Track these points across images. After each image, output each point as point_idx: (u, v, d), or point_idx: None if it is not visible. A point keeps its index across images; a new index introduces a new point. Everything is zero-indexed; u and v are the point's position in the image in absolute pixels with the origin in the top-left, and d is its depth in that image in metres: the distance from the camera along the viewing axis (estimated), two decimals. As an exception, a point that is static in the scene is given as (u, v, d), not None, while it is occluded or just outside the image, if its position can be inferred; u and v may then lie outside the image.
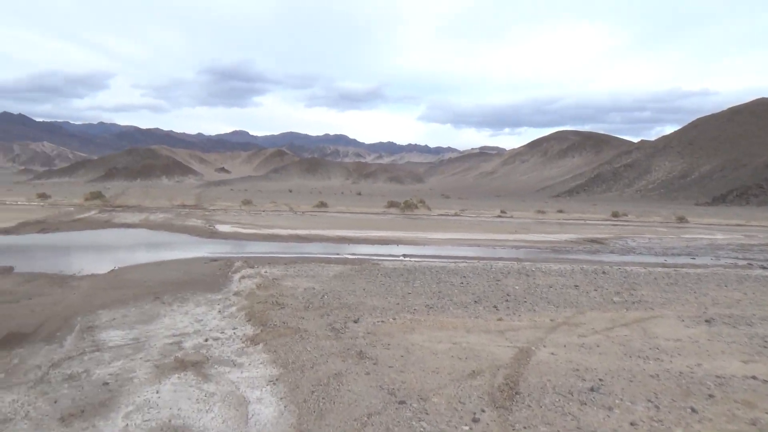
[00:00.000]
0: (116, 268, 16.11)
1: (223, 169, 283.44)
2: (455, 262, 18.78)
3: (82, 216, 36.56)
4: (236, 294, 11.52)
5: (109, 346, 7.35)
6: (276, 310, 9.60)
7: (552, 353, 7.88)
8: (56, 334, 7.92)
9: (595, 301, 12.20)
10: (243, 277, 13.41)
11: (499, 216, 56.40)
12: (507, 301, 11.87)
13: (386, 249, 24.03)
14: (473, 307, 10.99)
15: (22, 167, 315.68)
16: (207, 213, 44.74)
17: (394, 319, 9.79)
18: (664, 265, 20.06)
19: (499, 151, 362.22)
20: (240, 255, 19.87)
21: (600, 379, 6.68)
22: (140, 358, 6.88)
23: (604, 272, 17.19)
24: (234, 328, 8.59)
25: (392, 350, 7.63)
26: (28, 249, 20.41)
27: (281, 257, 19.49)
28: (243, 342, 7.78)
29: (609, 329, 9.48)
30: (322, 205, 61.58)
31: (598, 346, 8.24)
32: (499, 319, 10.04)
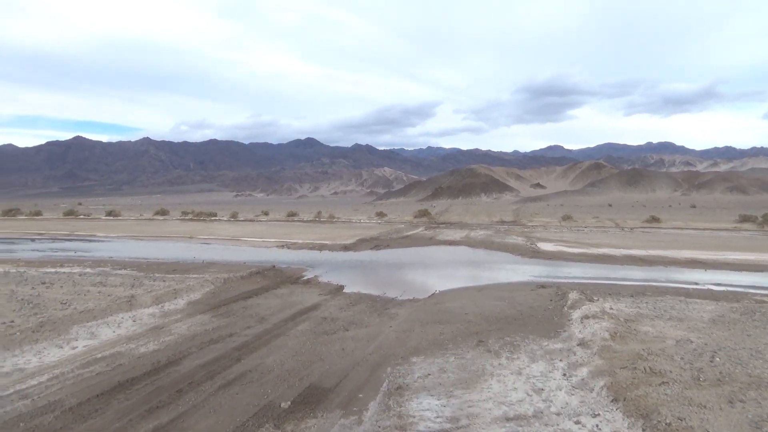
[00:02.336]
0: (436, 292, 14.81)
1: (538, 185, 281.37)
2: None
3: (410, 233, 38.38)
4: (582, 345, 8.48)
5: (419, 430, 5.22)
6: (655, 387, 6.23)
7: None
8: (358, 395, 6.20)
9: None
10: (585, 317, 10.27)
11: None
12: None
13: (764, 278, 17.83)
14: None
15: (368, 190, 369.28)
16: (526, 229, 42.65)
17: None
18: None
19: None
20: (570, 280, 16.76)
21: None
22: (460, 470, 4.52)
23: None
24: (595, 416, 5.59)
25: None
26: (360, 266, 21.10)
27: (623, 285, 15.69)
28: (619, 454, 4.75)
29: None
30: (654, 220, 53.46)
31: None
32: None
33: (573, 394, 6.29)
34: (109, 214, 67.77)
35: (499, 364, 7.53)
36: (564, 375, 7.05)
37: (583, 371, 7.13)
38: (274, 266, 18.73)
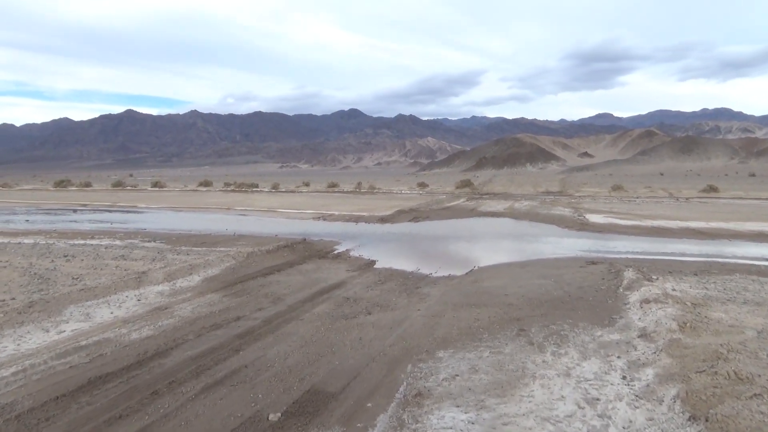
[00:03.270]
0: (475, 268, 13.55)
1: (585, 154, 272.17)
2: None
3: (451, 204, 36.97)
4: (644, 336, 7.13)
5: (437, 461, 4.08)
6: (744, 401, 4.88)
7: None
8: (366, 404, 5.07)
9: None
10: (645, 301, 8.85)
11: None
12: None
13: None
14: None
15: (412, 160, 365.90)
16: (573, 200, 40.55)
17: None
18: None
19: None
20: (624, 256, 15.20)
21: None
22: None
23: None
24: (669, 441, 4.33)
25: None
26: (396, 239, 19.98)
27: (683, 262, 14.06)
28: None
29: None
30: (711, 189, 50.31)
31: None
32: None
33: (637, 407, 5.00)
34: (155, 185, 68.72)
35: (543, 361, 6.27)
36: (624, 378, 5.76)
37: (648, 373, 5.81)
38: (305, 239, 17.83)
